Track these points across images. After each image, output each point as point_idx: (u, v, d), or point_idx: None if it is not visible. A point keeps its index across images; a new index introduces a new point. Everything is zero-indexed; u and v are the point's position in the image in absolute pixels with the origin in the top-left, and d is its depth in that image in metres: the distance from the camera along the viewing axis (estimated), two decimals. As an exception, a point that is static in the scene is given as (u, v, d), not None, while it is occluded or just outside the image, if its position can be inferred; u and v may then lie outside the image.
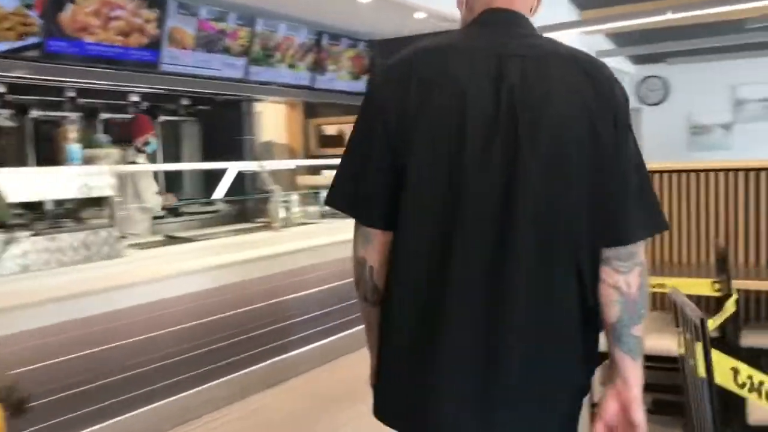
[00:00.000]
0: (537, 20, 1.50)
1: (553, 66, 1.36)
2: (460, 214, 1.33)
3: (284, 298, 4.31)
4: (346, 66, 7.38)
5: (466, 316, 1.34)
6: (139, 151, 5.49)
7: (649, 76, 11.72)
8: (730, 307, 2.69)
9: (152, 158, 6.05)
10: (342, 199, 1.45)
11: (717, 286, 2.82)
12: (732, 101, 11.15)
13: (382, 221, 1.40)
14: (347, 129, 8.78)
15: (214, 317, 3.82)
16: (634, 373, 1.41)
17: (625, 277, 1.39)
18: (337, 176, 1.46)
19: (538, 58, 1.36)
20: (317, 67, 7.00)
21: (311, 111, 8.45)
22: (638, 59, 11.42)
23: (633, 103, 11.86)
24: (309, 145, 8.55)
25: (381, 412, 1.48)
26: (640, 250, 1.40)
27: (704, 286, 2.83)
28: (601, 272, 1.40)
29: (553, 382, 1.38)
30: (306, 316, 4.50)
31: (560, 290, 1.37)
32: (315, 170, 6.77)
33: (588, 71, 1.37)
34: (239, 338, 3.99)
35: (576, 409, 1.46)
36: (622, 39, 10.08)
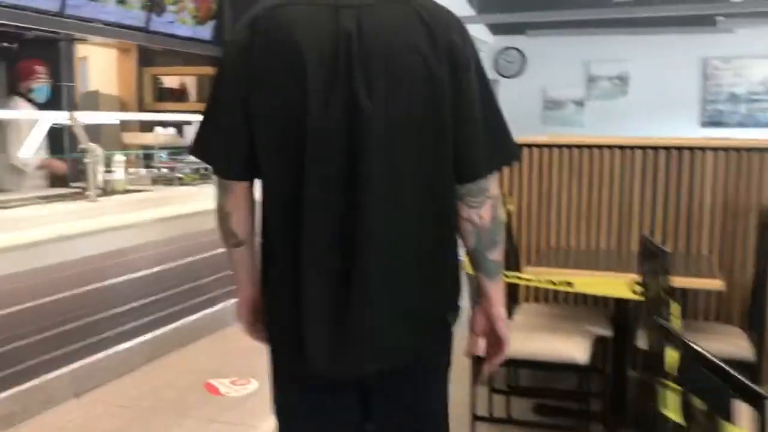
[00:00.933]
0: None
1: (389, 15, 1.43)
2: (308, 163, 1.40)
3: (92, 286, 3.46)
4: (189, 8, 6.40)
5: (323, 268, 1.44)
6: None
7: (508, 48, 11.52)
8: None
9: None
10: (203, 151, 1.57)
11: (638, 287, 2.36)
12: (585, 77, 11.20)
13: (235, 173, 1.53)
14: (189, 82, 7.77)
15: None
16: (495, 293, 1.58)
17: (477, 211, 1.51)
18: (198, 129, 1.55)
19: (373, 6, 1.43)
20: (154, 5, 5.99)
21: (147, 59, 7.36)
22: (498, 29, 11.18)
23: (490, 74, 11.64)
24: (143, 98, 7.47)
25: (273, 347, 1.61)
26: (491, 184, 1.52)
27: (622, 287, 2.36)
28: (457, 206, 1.52)
29: (410, 308, 1.47)
30: (124, 307, 3.68)
31: (413, 223, 1.45)
32: (148, 127, 5.80)
33: (424, 18, 1.43)
34: (35, 338, 3.12)
35: (440, 338, 1.59)
36: (484, 5, 9.73)
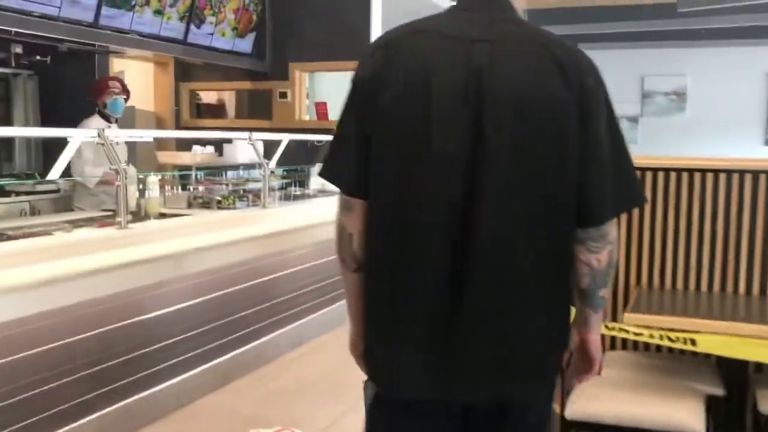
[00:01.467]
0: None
1: (522, 52, 1.44)
2: (427, 191, 1.41)
3: (112, 326, 3.09)
4: (229, 19, 6.09)
5: (431, 297, 1.43)
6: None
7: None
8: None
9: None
10: (329, 170, 1.54)
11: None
12: (640, 92, 10.67)
13: (359, 189, 1.48)
14: (228, 97, 7.45)
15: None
16: (596, 321, 1.61)
17: (597, 256, 1.51)
18: (328, 152, 1.55)
19: (508, 43, 1.43)
20: (193, 17, 5.67)
21: (185, 73, 7.07)
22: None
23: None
24: (181, 114, 7.17)
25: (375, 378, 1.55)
26: (612, 228, 1.51)
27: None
28: (575, 249, 1.50)
29: (518, 348, 1.46)
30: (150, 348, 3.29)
31: (528, 261, 1.43)
32: (185, 145, 5.45)
33: (558, 59, 1.42)
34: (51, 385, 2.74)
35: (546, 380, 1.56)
36: (533, 17, 9.31)
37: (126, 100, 5.00)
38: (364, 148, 1.45)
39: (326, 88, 8.15)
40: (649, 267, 3.03)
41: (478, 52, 1.40)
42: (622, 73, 10.55)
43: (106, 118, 4.79)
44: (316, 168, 5.72)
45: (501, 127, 1.39)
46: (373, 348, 1.53)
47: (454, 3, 1.54)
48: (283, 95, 6.65)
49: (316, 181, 5.62)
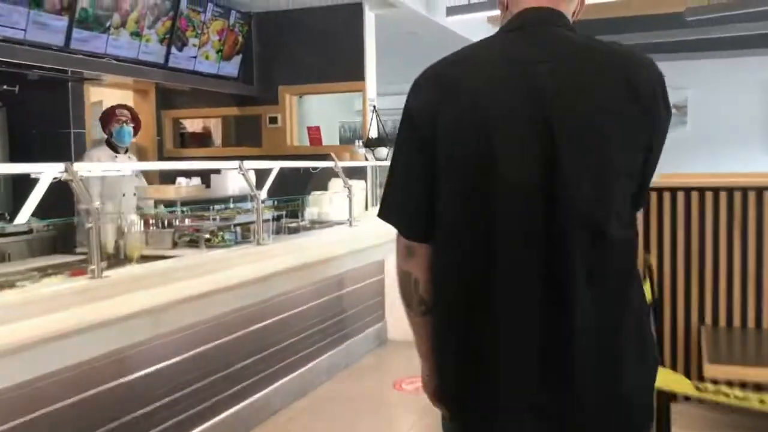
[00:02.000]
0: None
1: (587, 69, 1.35)
2: (502, 222, 1.34)
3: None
4: (213, 41, 5.67)
5: (521, 325, 1.34)
6: None
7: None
8: None
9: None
10: (389, 211, 1.47)
11: None
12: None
13: (423, 234, 1.43)
14: (214, 124, 7.02)
15: None
16: None
17: None
18: (385, 189, 1.49)
19: (572, 61, 1.36)
20: (174, 39, 5.26)
21: (167, 101, 6.65)
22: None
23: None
24: (164, 144, 6.73)
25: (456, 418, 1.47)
26: None
27: None
28: None
29: (619, 386, 1.36)
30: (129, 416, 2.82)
31: (618, 291, 1.36)
32: (170, 177, 5.00)
33: (627, 75, 1.34)
34: None
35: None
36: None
37: (136, 129, 4.93)
38: (428, 186, 1.39)
39: (317, 112, 7.79)
40: (714, 302, 2.61)
41: (541, 74, 1.33)
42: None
43: (114, 147, 4.75)
44: (312, 197, 5.32)
45: (574, 153, 1.31)
46: (457, 388, 1.44)
47: (504, 25, 1.46)
48: (273, 120, 6.23)
49: (311, 212, 5.20)
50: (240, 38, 5.92)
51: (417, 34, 7.10)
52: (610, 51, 1.37)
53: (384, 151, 5.78)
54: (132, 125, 4.81)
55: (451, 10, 6.09)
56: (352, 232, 4.77)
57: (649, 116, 1.34)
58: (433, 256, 1.43)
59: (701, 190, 2.60)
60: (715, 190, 2.59)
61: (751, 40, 8.41)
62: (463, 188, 1.36)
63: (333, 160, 4.85)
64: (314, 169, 4.89)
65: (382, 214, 1.48)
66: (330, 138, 10.52)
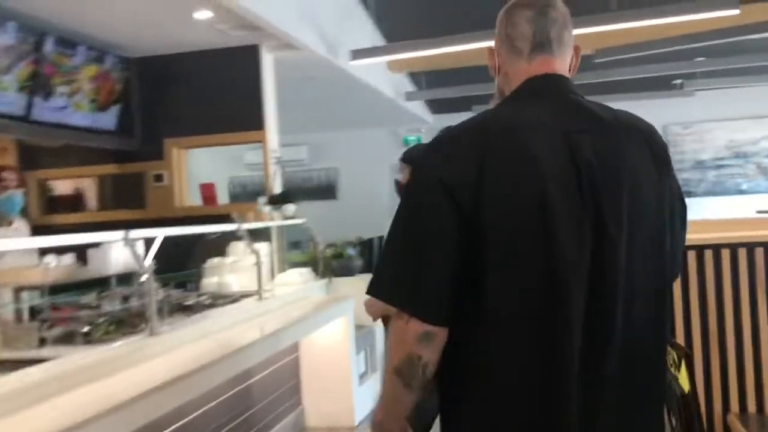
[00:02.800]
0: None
1: (622, 140, 1.34)
2: (561, 308, 1.26)
3: None
4: (86, 89, 4.87)
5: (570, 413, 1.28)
6: None
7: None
8: None
9: None
10: (396, 292, 1.32)
11: None
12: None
13: (446, 318, 1.30)
14: (89, 186, 6.13)
15: None
16: None
17: None
18: (387, 264, 1.35)
19: (606, 132, 1.34)
20: (37, 87, 4.43)
21: (31, 158, 5.73)
22: (441, 106, 10.12)
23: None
24: (29, 212, 5.76)
25: None
26: None
27: None
28: None
29: None
30: None
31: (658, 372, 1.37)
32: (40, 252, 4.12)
33: (648, 141, 1.37)
34: None
35: None
36: (418, 79, 8.64)
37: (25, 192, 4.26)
38: (456, 264, 1.26)
39: (203, 168, 7.04)
40: (740, 388, 2.13)
41: (582, 145, 1.29)
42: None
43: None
44: (210, 265, 4.59)
45: (621, 225, 1.28)
46: None
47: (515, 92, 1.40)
48: (159, 178, 5.44)
49: (209, 283, 4.46)
50: (118, 86, 5.14)
51: (314, 80, 6.55)
52: (627, 117, 1.37)
53: (292, 208, 5.12)
54: (22, 191, 4.14)
55: (357, 54, 5.59)
56: (263, 307, 4.07)
57: (669, 180, 1.36)
58: (475, 339, 1.30)
59: (716, 248, 2.14)
60: (733, 247, 2.14)
61: (649, 83, 8.45)
62: (517, 264, 1.26)
63: (234, 221, 4.16)
64: (214, 234, 4.17)
65: (383, 292, 1.33)
66: (221, 196, 9.77)
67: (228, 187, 10.35)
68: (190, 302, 4.07)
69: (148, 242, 3.39)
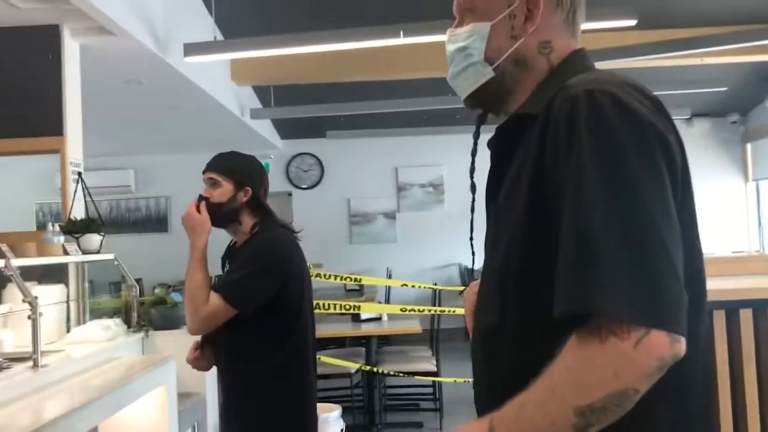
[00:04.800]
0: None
1: None
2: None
3: None
4: None
5: None
6: None
7: (302, 153, 9.48)
8: None
9: None
10: (665, 307, 0.89)
11: None
12: (395, 186, 9.48)
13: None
14: None
15: None
16: None
17: None
18: (614, 262, 0.90)
19: None
20: None
21: None
22: (291, 131, 9.12)
23: (283, 185, 9.48)
24: None
25: None
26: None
27: None
28: None
29: None
30: None
31: None
32: None
33: None
34: None
35: None
36: (277, 95, 7.63)
37: None
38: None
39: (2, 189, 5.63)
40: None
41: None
42: (376, 164, 9.35)
43: None
44: None
45: None
46: None
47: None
48: None
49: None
50: None
51: (140, 84, 5.35)
52: None
53: (96, 240, 3.88)
54: None
55: (191, 48, 4.49)
56: (45, 377, 2.83)
57: None
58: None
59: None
60: None
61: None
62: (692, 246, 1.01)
63: (3, 256, 2.91)
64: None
65: (630, 309, 0.87)
66: (24, 224, 8.11)
67: (36, 214, 8.76)
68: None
69: None
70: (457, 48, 1.19)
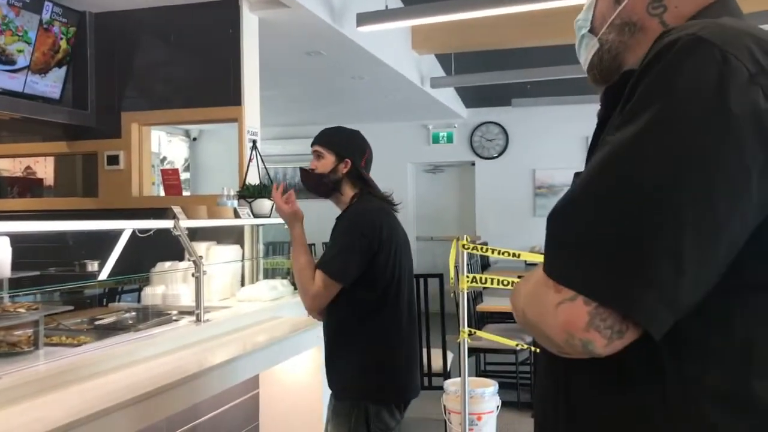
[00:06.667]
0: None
1: None
2: None
3: None
4: (19, 48, 3.92)
5: None
6: None
7: (486, 122, 9.33)
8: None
9: None
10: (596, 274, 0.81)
11: None
12: (583, 156, 9.05)
13: None
14: (45, 166, 5.24)
15: None
16: None
17: None
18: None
19: None
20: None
21: None
22: (476, 99, 9.00)
23: (467, 155, 9.41)
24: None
25: None
26: None
27: None
28: None
29: None
30: None
31: None
32: None
33: None
34: None
35: None
36: (460, 62, 7.53)
37: None
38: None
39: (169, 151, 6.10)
40: None
41: None
42: (564, 133, 8.96)
43: None
44: (156, 272, 3.61)
45: None
46: None
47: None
48: (113, 160, 4.46)
49: (151, 294, 3.48)
50: (63, 44, 4.19)
51: (321, 55, 5.52)
52: None
53: (267, 205, 4.10)
54: None
55: (363, 18, 4.55)
56: (199, 332, 3.05)
57: None
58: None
59: None
60: None
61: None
62: None
63: (173, 216, 3.16)
64: (143, 231, 3.16)
65: None
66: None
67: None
68: (107, 320, 3.10)
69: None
70: (576, 21, 1.10)
